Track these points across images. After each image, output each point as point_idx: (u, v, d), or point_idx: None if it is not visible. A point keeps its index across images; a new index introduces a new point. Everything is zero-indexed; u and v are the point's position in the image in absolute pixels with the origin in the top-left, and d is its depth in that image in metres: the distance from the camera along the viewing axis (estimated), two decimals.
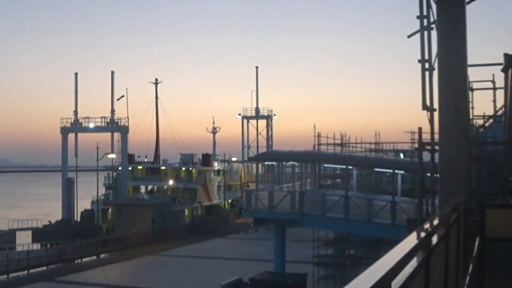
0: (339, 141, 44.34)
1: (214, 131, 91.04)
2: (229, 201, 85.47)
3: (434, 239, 4.47)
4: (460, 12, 13.63)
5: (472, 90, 22.72)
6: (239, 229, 68.13)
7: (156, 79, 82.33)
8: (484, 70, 21.17)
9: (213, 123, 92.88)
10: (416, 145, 17.08)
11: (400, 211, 30.50)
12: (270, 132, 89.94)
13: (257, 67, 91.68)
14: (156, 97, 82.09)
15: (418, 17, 14.47)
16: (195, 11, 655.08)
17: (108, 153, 70.49)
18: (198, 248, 57.24)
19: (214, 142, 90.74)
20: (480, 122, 24.63)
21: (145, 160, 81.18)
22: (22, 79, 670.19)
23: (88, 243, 54.94)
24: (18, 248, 53.77)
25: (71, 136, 76.01)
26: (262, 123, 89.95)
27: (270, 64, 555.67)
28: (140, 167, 79.35)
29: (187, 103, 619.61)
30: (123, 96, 77.06)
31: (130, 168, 76.31)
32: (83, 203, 75.25)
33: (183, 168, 78.67)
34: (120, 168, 73.79)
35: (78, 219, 70.39)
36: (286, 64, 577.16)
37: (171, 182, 76.29)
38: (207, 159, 79.63)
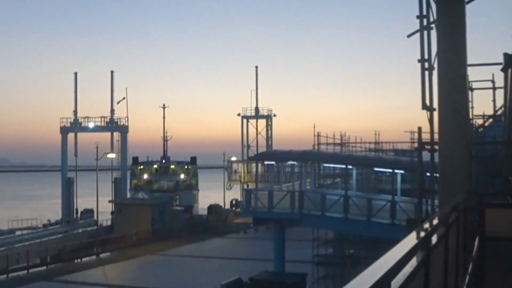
0: (339, 141, 44.34)
1: (166, 139, 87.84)
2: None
3: (434, 239, 4.47)
4: (460, 12, 13.64)
5: (472, 89, 22.72)
6: (238, 228, 68.15)
7: (164, 104, 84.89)
8: (484, 69, 21.20)
9: (165, 132, 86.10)
10: (416, 145, 17.07)
11: (400, 211, 30.52)
12: (269, 131, 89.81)
13: (256, 67, 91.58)
14: (164, 117, 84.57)
15: (417, 17, 14.48)
16: (195, 11, 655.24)
17: (107, 153, 70.49)
18: (197, 247, 57.24)
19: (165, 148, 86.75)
20: (480, 121, 24.63)
21: (148, 160, 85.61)
22: (22, 78, 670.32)
23: (88, 242, 54.94)
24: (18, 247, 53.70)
25: (70, 135, 76.02)
26: (262, 122, 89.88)
27: (270, 63, 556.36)
28: (155, 166, 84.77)
29: (187, 103, 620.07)
30: (124, 98, 77.12)
31: (141, 167, 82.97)
32: (85, 203, 75.39)
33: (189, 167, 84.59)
34: (141, 167, 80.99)
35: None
36: (286, 63, 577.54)
37: (182, 176, 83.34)
38: (195, 160, 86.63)
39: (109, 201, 69.56)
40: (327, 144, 42.55)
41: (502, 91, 19.30)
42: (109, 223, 67.71)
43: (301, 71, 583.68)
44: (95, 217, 68.52)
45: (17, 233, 58.23)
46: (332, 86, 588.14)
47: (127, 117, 75.87)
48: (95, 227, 62.26)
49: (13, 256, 47.00)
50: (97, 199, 64.85)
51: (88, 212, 70.41)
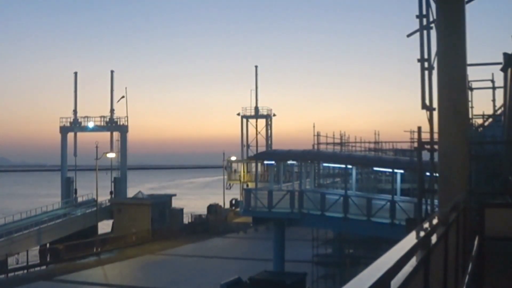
0: (339, 141, 44.33)
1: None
2: None
3: (434, 239, 4.47)
4: (460, 12, 13.63)
5: (472, 89, 22.71)
6: (238, 228, 68.16)
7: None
8: (484, 69, 21.23)
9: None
10: (416, 145, 17.06)
11: (400, 211, 30.53)
12: (269, 131, 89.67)
13: (256, 66, 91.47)
14: None
15: (417, 16, 14.47)
16: (195, 11, 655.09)
17: (107, 152, 70.43)
18: (197, 247, 57.24)
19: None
20: (480, 121, 24.61)
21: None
22: (22, 78, 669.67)
23: (88, 242, 54.92)
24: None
25: (70, 135, 75.93)
26: (262, 122, 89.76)
27: (270, 63, 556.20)
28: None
29: (187, 102, 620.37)
30: (123, 97, 76.86)
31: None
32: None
33: None
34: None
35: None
36: (285, 63, 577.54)
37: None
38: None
39: (109, 201, 69.70)
40: (327, 143, 42.54)
41: (501, 90, 19.30)
42: (108, 204, 67.98)
43: (301, 71, 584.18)
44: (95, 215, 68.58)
45: (16, 218, 58.19)
46: (332, 86, 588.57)
47: (127, 116, 75.78)
48: (94, 209, 62.54)
49: (13, 247, 47.57)
50: (96, 199, 64.90)
51: (90, 202, 70.17)
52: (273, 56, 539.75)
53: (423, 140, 15.84)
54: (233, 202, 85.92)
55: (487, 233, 8.96)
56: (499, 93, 22.24)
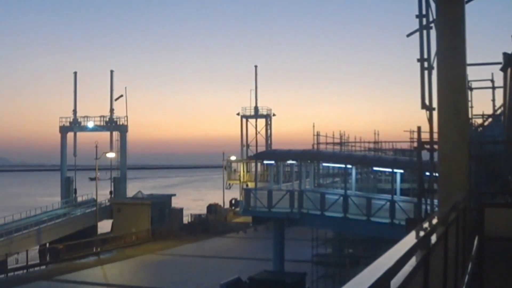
0: (338, 140, 44.34)
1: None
2: None
3: (433, 238, 4.46)
4: (459, 11, 13.62)
5: (471, 89, 22.69)
6: (238, 228, 68.15)
7: None
8: (483, 69, 21.19)
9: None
10: (415, 144, 17.06)
11: (399, 210, 30.54)
12: (269, 131, 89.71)
13: (256, 66, 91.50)
14: None
15: (417, 16, 14.46)
16: (195, 11, 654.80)
17: (107, 152, 70.42)
18: (197, 247, 57.24)
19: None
20: (479, 121, 24.58)
21: None
22: (21, 77, 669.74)
23: (87, 242, 54.91)
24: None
25: (70, 135, 75.89)
26: (261, 122, 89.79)
27: (270, 63, 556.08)
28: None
29: (186, 102, 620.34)
30: (121, 95, 76.80)
31: None
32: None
33: None
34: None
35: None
36: (285, 63, 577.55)
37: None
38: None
39: (108, 200, 69.72)
40: (327, 143, 42.57)
41: (501, 90, 19.29)
42: (107, 203, 67.99)
43: (301, 71, 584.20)
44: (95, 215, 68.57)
45: (15, 218, 58.15)
46: (332, 85, 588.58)
47: (127, 116, 75.74)
48: (94, 209, 62.61)
49: (13, 247, 47.48)
50: (96, 198, 64.91)
51: (89, 201, 70.19)
52: (273, 56, 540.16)
53: (422, 140, 15.83)
54: (233, 202, 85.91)
55: (486, 233, 8.96)
56: (499, 93, 22.23)
